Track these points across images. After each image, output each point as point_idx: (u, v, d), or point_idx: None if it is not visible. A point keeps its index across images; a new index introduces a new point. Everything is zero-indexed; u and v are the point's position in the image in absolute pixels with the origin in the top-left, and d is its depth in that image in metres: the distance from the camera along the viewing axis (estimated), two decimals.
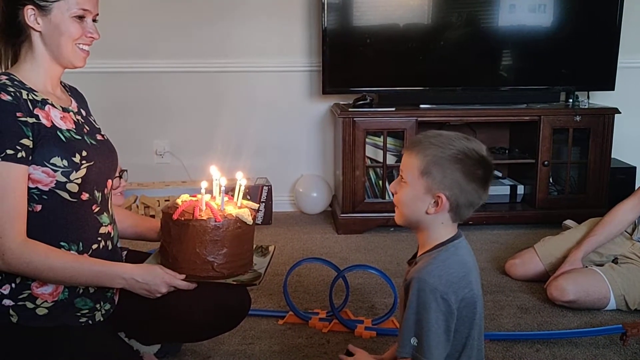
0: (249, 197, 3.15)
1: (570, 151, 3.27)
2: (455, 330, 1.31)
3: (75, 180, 1.44)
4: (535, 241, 2.66)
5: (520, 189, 3.42)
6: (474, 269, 1.39)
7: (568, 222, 2.76)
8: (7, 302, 1.43)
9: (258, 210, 1.68)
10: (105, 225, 1.56)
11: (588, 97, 3.36)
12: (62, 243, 1.46)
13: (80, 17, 1.46)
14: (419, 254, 1.42)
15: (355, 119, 3.14)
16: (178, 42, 3.50)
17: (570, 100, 3.35)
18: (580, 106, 3.29)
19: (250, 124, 3.57)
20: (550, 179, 3.31)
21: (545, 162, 3.23)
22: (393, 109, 3.20)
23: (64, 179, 1.42)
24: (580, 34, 3.35)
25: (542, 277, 2.51)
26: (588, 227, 2.54)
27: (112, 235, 1.59)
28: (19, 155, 1.36)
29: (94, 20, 1.51)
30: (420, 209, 1.36)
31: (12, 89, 1.40)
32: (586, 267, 2.39)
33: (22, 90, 1.42)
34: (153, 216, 3.23)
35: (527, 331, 2.14)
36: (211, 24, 3.49)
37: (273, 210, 3.46)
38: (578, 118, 3.20)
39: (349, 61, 3.32)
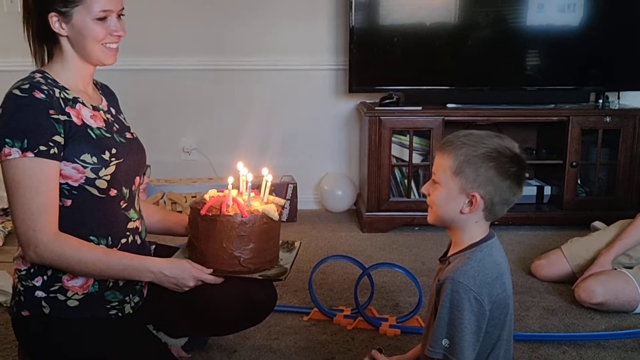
0: (274, 194, 3.16)
1: (600, 152, 3.22)
2: (486, 331, 1.30)
3: (104, 177, 1.47)
4: (562, 242, 2.63)
5: (547, 190, 3.39)
6: (507, 270, 1.39)
7: (597, 223, 2.72)
8: (40, 293, 1.46)
9: (283, 208, 1.69)
10: (134, 221, 1.59)
11: (618, 98, 3.31)
12: (91, 237, 1.49)
13: (103, 18, 1.47)
14: (450, 253, 1.41)
15: (381, 117, 3.14)
16: (207, 40, 3.54)
17: (600, 101, 3.31)
18: (611, 107, 3.25)
19: (276, 122, 3.59)
20: (579, 180, 3.27)
21: (574, 163, 3.19)
22: (419, 108, 3.19)
23: (93, 176, 1.45)
24: (611, 34, 3.30)
25: (568, 279, 2.48)
26: (617, 230, 2.50)
27: (140, 230, 1.62)
28: (52, 151, 1.39)
29: (122, 15, 1.52)
30: (454, 209, 1.35)
31: (45, 87, 1.43)
32: (615, 269, 2.36)
33: (54, 89, 1.45)
34: (180, 212, 3.26)
35: (553, 332, 2.13)
36: (240, 22, 3.52)
37: (298, 207, 3.47)
38: (608, 119, 3.16)
39: (376, 60, 3.31)
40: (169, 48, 3.53)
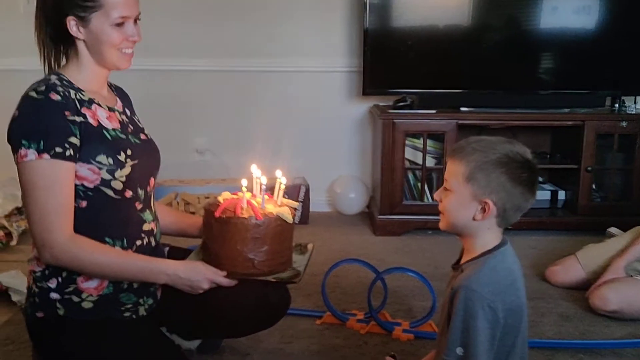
0: (286, 197, 3.16)
1: (615, 157, 3.19)
2: (500, 338, 1.29)
3: (120, 178, 1.47)
4: (577, 248, 2.61)
5: (562, 195, 3.37)
6: (520, 276, 1.37)
7: (612, 229, 2.70)
8: (54, 295, 1.47)
9: (296, 210, 1.70)
10: (149, 222, 1.59)
11: (635, 102, 3.28)
12: (106, 239, 1.49)
13: (120, 24, 1.47)
14: (463, 261, 1.40)
15: (395, 120, 3.13)
16: (220, 42, 3.54)
17: (616, 105, 3.28)
18: (627, 111, 3.22)
19: (289, 124, 3.59)
20: (593, 185, 3.24)
21: (589, 168, 3.16)
22: (433, 111, 3.18)
23: (109, 177, 1.45)
24: (627, 37, 3.27)
25: (583, 285, 2.46)
26: (633, 236, 2.48)
27: (155, 232, 1.62)
28: (67, 153, 1.39)
29: (138, 19, 1.53)
30: (467, 216, 1.34)
31: (61, 89, 1.43)
32: (630, 276, 2.33)
33: (70, 90, 1.45)
34: (193, 213, 3.27)
35: (568, 339, 2.10)
36: (254, 24, 3.52)
37: (310, 210, 3.47)
38: (624, 123, 3.13)
39: (390, 62, 3.30)
40: (183, 49, 3.55)
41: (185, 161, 3.60)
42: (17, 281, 2.36)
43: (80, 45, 1.49)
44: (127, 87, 1.76)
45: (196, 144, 3.65)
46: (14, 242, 2.98)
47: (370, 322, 2.16)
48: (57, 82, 1.45)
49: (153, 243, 1.61)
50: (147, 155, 1.59)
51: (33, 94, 1.41)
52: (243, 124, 3.61)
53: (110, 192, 1.47)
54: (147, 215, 1.59)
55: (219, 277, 1.49)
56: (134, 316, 1.54)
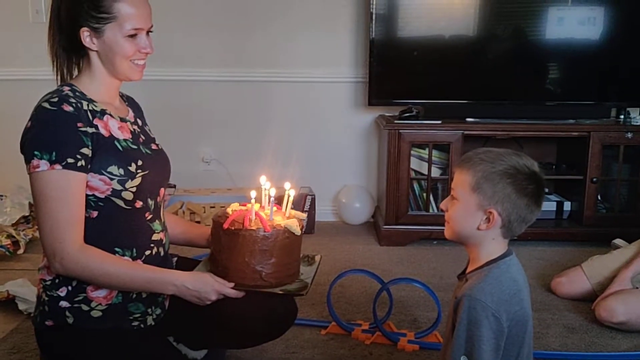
0: (292, 206, 3.17)
1: (621, 168, 3.20)
2: (505, 348, 1.30)
3: (131, 189, 1.48)
4: (582, 259, 2.61)
5: (567, 206, 3.37)
6: (525, 287, 1.38)
7: (617, 241, 2.70)
8: (64, 303, 1.48)
9: (303, 221, 1.71)
10: (158, 232, 1.60)
11: None
12: (116, 249, 1.50)
13: (133, 35, 1.49)
14: (468, 270, 1.41)
15: (400, 130, 3.14)
16: (227, 51, 3.57)
17: (622, 117, 3.29)
18: (632, 122, 3.22)
19: (295, 134, 3.61)
20: (599, 196, 3.24)
21: (594, 179, 3.17)
22: (439, 122, 3.19)
23: (119, 187, 1.47)
24: (632, 49, 3.28)
25: (588, 297, 2.46)
26: (638, 247, 2.48)
27: (164, 242, 1.63)
28: (79, 164, 1.41)
29: (150, 31, 1.55)
30: (471, 225, 1.35)
31: (73, 100, 1.45)
32: (637, 287, 2.33)
33: (82, 101, 1.47)
34: (199, 222, 3.28)
35: (574, 351, 2.10)
36: (260, 34, 3.55)
37: (316, 219, 3.48)
38: (630, 135, 3.13)
39: (395, 73, 3.32)
40: (190, 59, 3.57)
41: (191, 170, 3.61)
42: (24, 290, 2.37)
43: (93, 57, 1.51)
44: (135, 96, 1.78)
45: (203, 153, 3.67)
46: (21, 251, 2.99)
47: (376, 332, 2.16)
48: (70, 94, 1.47)
49: (162, 253, 1.62)
50: (158, 166, 1.60)
51: (46, 105, 1.43)
52: (249, 133, 3.63)
53: (120, 203, 1.49)
54: (157, 225, 1.60)
55: (227, 288, 1.50)
56: (141, 326, 1.55)
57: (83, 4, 1.45)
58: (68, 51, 1.53)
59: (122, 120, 1.56)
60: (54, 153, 1.38)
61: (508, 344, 1.31)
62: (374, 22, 3.22)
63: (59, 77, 1.54)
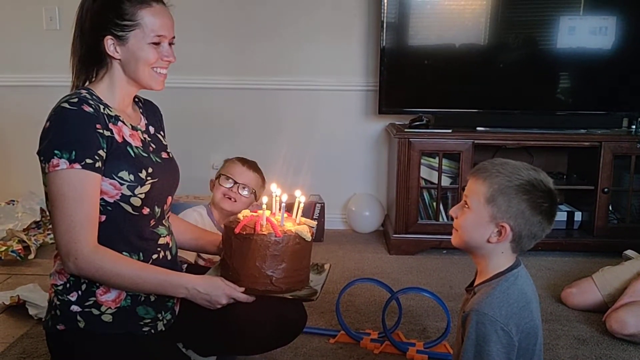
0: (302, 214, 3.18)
1: (632, 179, 3.17)
2: None
3: (139, 195, 1.49)
4: (593, 270, 2.59)
5: (578, 216, 3.35)
6: (534, 299, 1.37)
7: (629, 252, 2.68)
8: (75, 308, 1.49)
9: (313, 228, 1.72)
10: (164, 237, 1.61)
11: None
12: (124, 253, 1.50)
13: (157, 43, 1.51)
14: (476, 283, 1.40)
15: (411, 139, 3.14)
16: (238, 59, 3.59)
17: (633, 127, 3.27)
18: None
19: (305, 142, 3.61)
20: (610, 207, 3.22)
21: (605, 189, 3.15)
22: (449, 131, 3.18)
23: (129, 193, 1.48)
24: None
25: (599, 308, 2.44)
26: None
27: (170, 245, 1.64)
28: (97, 165, 1.42)
29: (172, 44, 1.57)
30: (481, 236, 1.35)
31: (92, 102, 1.47)
32: None
33: (99, 105, 1.49)
34: None
35: None
36: (271, 43, 3.57)
37: (325, 227, 3.48)
38: None
39: (406, 81, 3.32)
40: (201, 67, 3.59)
41: (201, 177, 3.61)
42: (34, 295, 2.38)
43: (115, 64, 1.52)
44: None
45: (213, 159, 3.67)
46: (32, 256, 3.00)
47: (384, 342, 2.15)
48: (88, 96, 1.48)
49: (169, 257, 1.62)
50: (167, 175, 1.61)
51: (66, 105, 1.44)
52: (259, 141, 3.63)
53: (128, 208, 1.49)
54: (161, 229, 1.61)
55: (237, 292, 1.50)
56: (152, 331, 1.55)
57: (108, 12, 1.47)
58: (89, 60, 1.54)
59: (134, 128, 1.57)
60: (73, 152, 1.39)
61: (518, 356, 1.30)
62: (384, 30, 3.23)
63: (78, 84, 1.55)
